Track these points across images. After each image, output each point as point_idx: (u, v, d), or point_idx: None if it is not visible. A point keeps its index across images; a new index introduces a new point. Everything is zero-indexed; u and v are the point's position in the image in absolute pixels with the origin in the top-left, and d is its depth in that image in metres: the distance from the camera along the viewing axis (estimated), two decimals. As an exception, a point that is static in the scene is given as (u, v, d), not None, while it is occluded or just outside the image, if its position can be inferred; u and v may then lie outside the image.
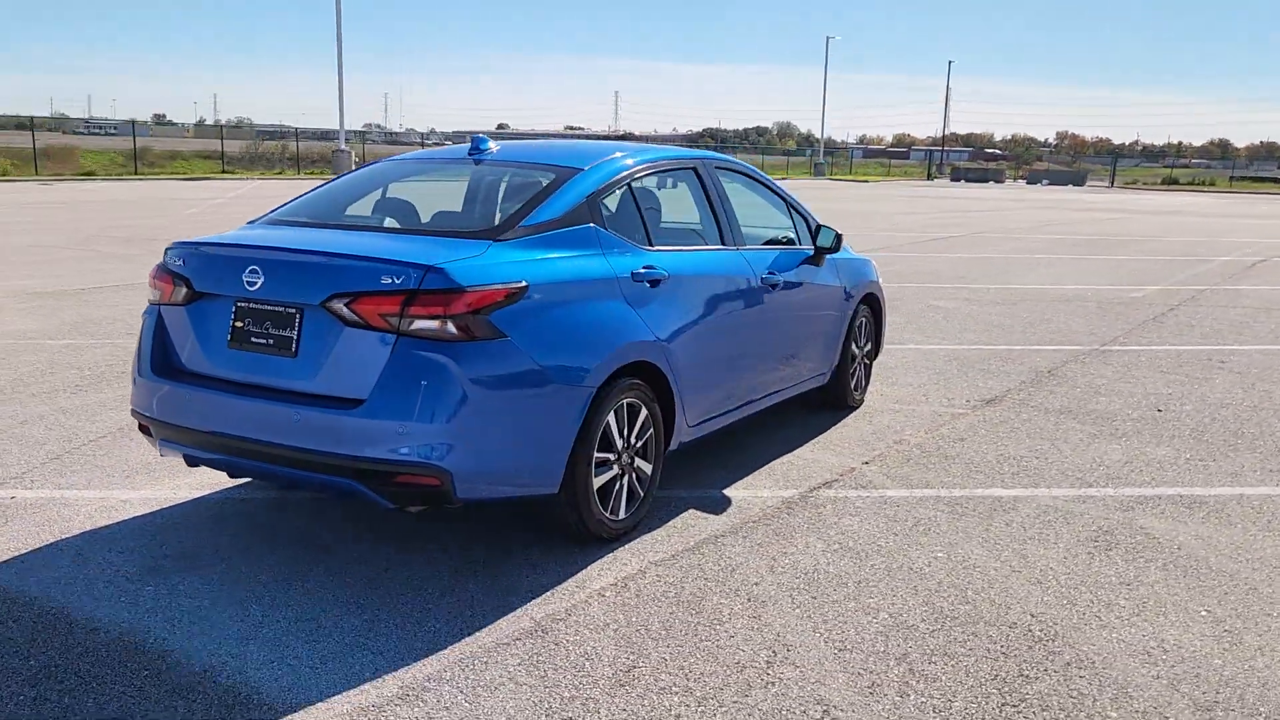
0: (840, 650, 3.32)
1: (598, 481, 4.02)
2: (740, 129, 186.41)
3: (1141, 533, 4.45)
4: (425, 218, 4.40)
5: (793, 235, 5.78)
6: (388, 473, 3.49)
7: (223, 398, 3.73)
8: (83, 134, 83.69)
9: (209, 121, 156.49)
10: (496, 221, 4.08)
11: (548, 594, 3.69)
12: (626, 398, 4.14)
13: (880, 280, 6.73)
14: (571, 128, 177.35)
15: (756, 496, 4.80)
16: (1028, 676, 3.18)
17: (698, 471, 5.12)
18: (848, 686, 3.09)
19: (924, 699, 3.03)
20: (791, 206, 5.85)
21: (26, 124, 42.85)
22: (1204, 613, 3.67)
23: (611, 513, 4.14)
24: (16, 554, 3.94)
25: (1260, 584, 3.94)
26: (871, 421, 6.19)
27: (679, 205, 5.25)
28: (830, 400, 6.35)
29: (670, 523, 4.42)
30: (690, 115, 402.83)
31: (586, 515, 4.00)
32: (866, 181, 59.46)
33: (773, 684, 3.09)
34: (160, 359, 3.98)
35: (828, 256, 5.93)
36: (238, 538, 4.15)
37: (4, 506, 4.43)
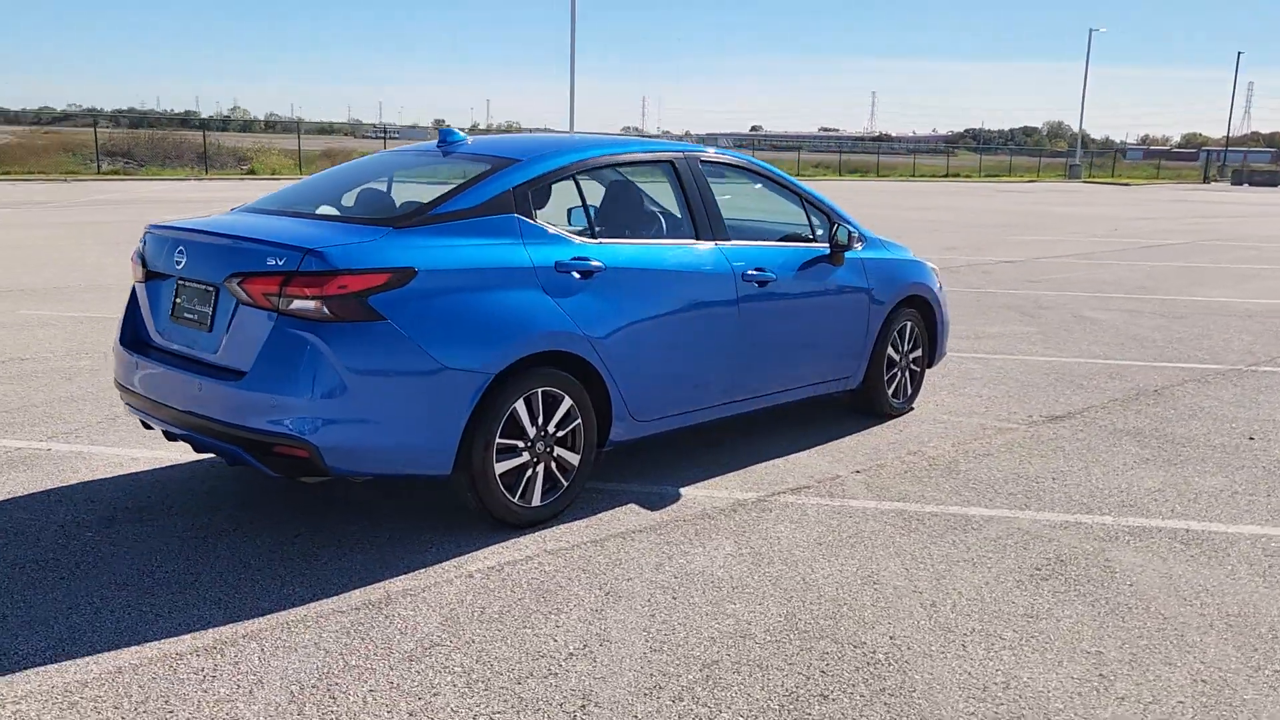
0: (651, 650, 3.25)
1: (502, 467, 4.09)
2: (1005, 129, 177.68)
3: (1101, 565, 4.03)
4: (390, 207, 4.60)
5: (808, 233, 5.60)
6: (266, 443, 3.72)
7: (163, 368, 4.10)
8: (370, 138, 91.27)
9: (480, 125, 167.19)
10: (405, 210, 4.22)
11: (420, 571, 3.81)
12: (542, 386, 4.18)
13: (936, 284, 6.37)
14: (826, 129, 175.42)
15: (710, 496, 4.71)
16: (826, 697, 3.00)
17: (668, 466, 5.08)
18: (627, 686, 3.03)
19: (694, 706, 2.93)
20: (812, 204, 5.66)
21: (328, 129, 47.80)
22: (1093, 654, 3.30)
23: (522, 499, 4.20)
24: (11, 495, 4.48)
25: (1191, 631, 3.49)
26: (901, 430, 5.89)
27: (661, 200, 5.21)
28: (864, 406, 6.10)
29: (599, 515, 4.43)
30: (949, 114, 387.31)
31: (489, 500, 4.09)
32: (1128, 185, 55.23)
33: (554, 675, 3.08)
34: (130, 332, 4.42)
35: (853, 257, 5.70)
36: (196, 497, 4.52)
37: (35, 455, 5.03)
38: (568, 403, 4.30)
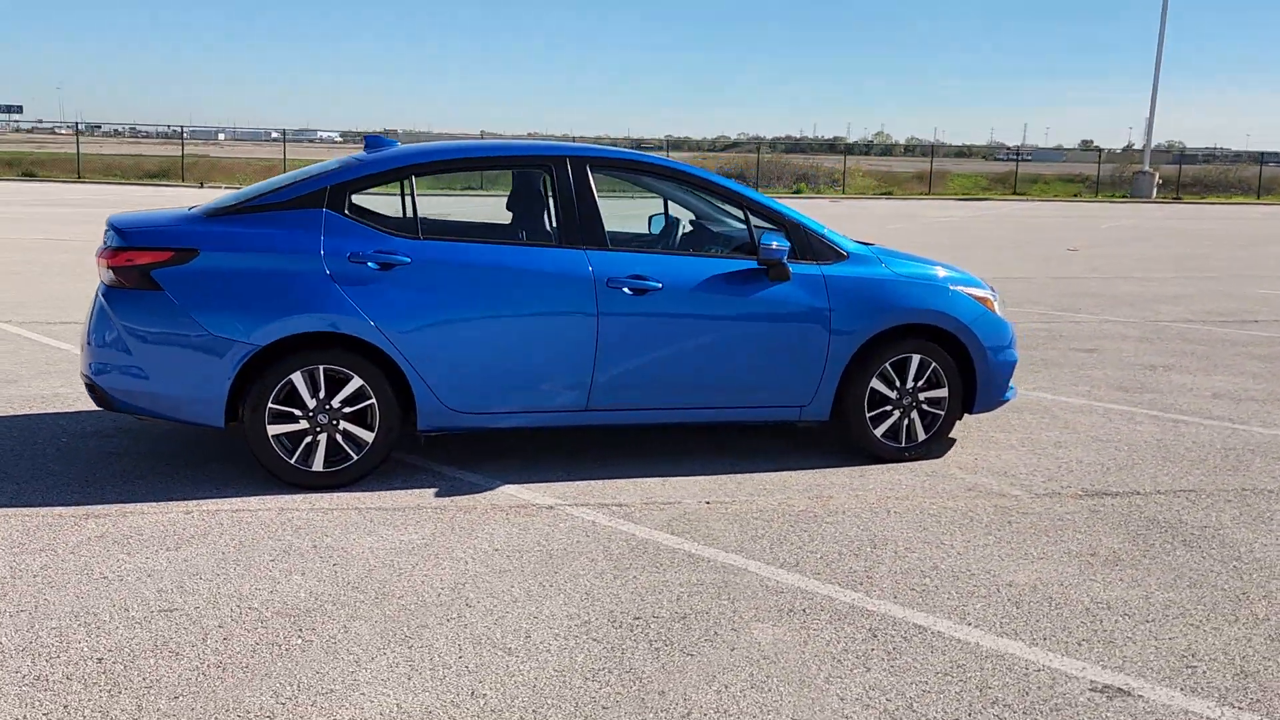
0: (220, 602, 3.63)
1: (276, 430, 4.64)
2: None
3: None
4: (233, 199, 5.16)
5: (747, 243, 5.20)
6: (89, 383, 4.73)
7: None
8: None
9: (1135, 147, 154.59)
10: (230, 201, 4.91)
11: (173, 502, 4.52)
12: (325, 364, 4.65)
13: (970, 313, 5.38)
14: None
15: (512, 496, 4.73)
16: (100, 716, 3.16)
17: (520, 464, 5.14)
18: (195, 640, 3.27)
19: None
20: (757, 211, 5.25)
21: (965, 152, 49.06)
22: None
23: (302, 463, 4.69)
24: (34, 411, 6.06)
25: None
26: (865, 477, 5.14)
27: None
28: (845, 440, 5.43)
29: (382, 490, 4.73)
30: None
31: (262, 456, 4.67)
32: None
33: (137, 622, 3.43)
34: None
35: (812, 273, 5.16)
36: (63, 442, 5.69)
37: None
38: (357, 382, 4.69)
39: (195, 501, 4.55)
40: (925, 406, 5.43)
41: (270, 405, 4.63)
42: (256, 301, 4.59)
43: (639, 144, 56.82)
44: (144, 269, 4.57)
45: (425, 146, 5.27)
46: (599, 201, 5.05)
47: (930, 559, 4.14)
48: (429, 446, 5.36)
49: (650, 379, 5.04)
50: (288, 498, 4.62)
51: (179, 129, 47.62)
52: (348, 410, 4.72)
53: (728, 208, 5.47)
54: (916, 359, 5.34)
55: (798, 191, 39.61)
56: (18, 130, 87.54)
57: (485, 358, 4.82)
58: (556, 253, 4.93)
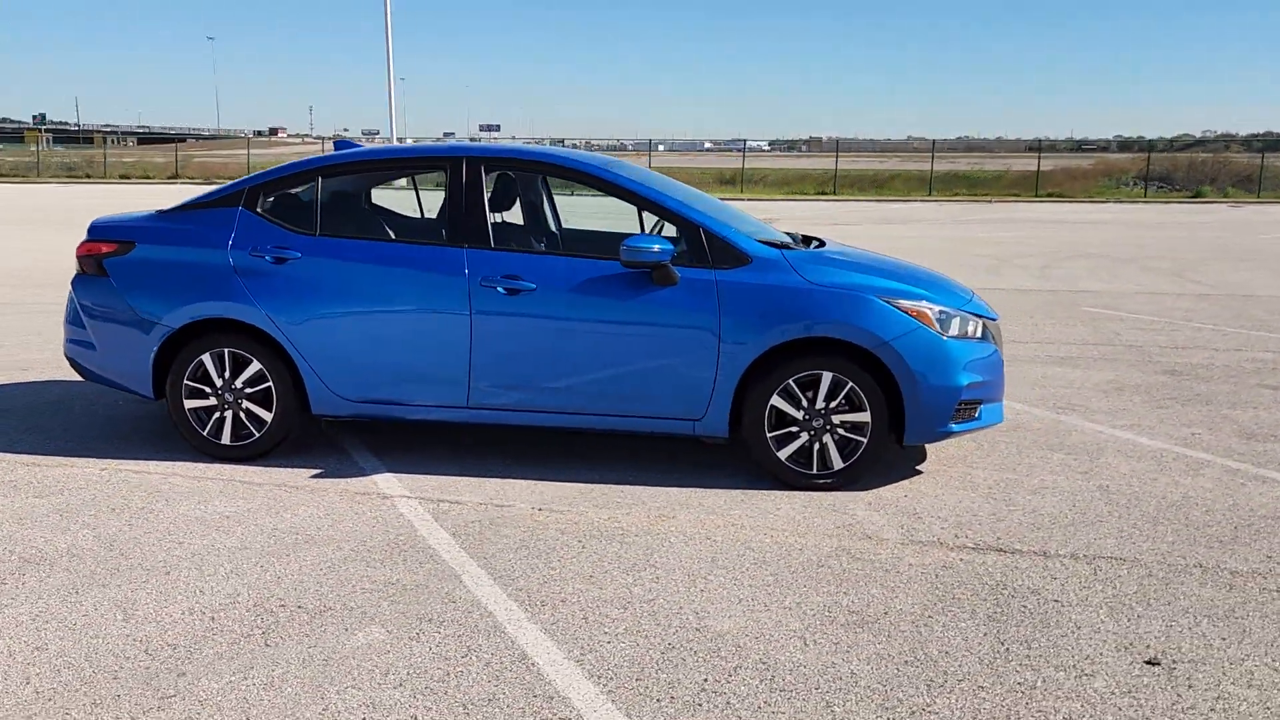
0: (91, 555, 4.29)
1: (190, 404, 5.21)
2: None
3: None
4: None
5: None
6: (66, 355, 5.59)
7: None
8: None
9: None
10: (183, 201, 5.48)
11: (94, 460, 5.23)
12: (230, 347, 5.14)
13: (889, 332, 4.69)
14: None
15: (367, 483, 4.91)
16: None
17: (430, 455, 5.27)
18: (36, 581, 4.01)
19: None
20: (655, 209, 4.99)
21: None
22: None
23: (213, 436, 5.22)
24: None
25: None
26: (746, 502, 4.70)
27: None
28: (751, 459, 4.98)
29: (275, 467, 5.12)
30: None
31: (181, 428, 5.26)
32: None
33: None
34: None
35: (703, 277, 4.82)
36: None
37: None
38: (256, 366, 5.13)
39: (111, 460, 5.22)
40: (842, 431, 4.82)
41: (186, 382, 5.19)
42: (174, 289, 5.18)
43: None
44: (98, 258, 5.33)
45: (339, 152, 5.60)
46: (486, 200, 5.08)
47: (647, 591, 3.74)
48: (364, 432, 5.67)
49: (528, 381, 4.97)
50: (187, 465, 5.15)
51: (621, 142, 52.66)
52: (249, 391, 5.16)
53: (640, 207, 5.21)
54: (829, 377, 4.76)
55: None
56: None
57: (368, 349, 5.03)
58: (436, 250, 5.03)
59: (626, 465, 5.20)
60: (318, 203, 5.28)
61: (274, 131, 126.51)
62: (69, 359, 5.54)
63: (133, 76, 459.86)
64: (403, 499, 4.70)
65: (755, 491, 4.84)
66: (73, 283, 5.47)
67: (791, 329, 4.75)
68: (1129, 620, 3.55)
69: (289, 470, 5.08)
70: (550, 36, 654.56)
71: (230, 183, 5.47)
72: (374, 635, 3.39)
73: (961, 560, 4.06)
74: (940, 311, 4.85)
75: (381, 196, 6.07)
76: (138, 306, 5.21)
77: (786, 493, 4.82)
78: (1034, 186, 41.02)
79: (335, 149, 5.89)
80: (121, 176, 48.33)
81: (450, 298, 4.95)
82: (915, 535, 4.32)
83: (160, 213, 5.46)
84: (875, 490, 4.86)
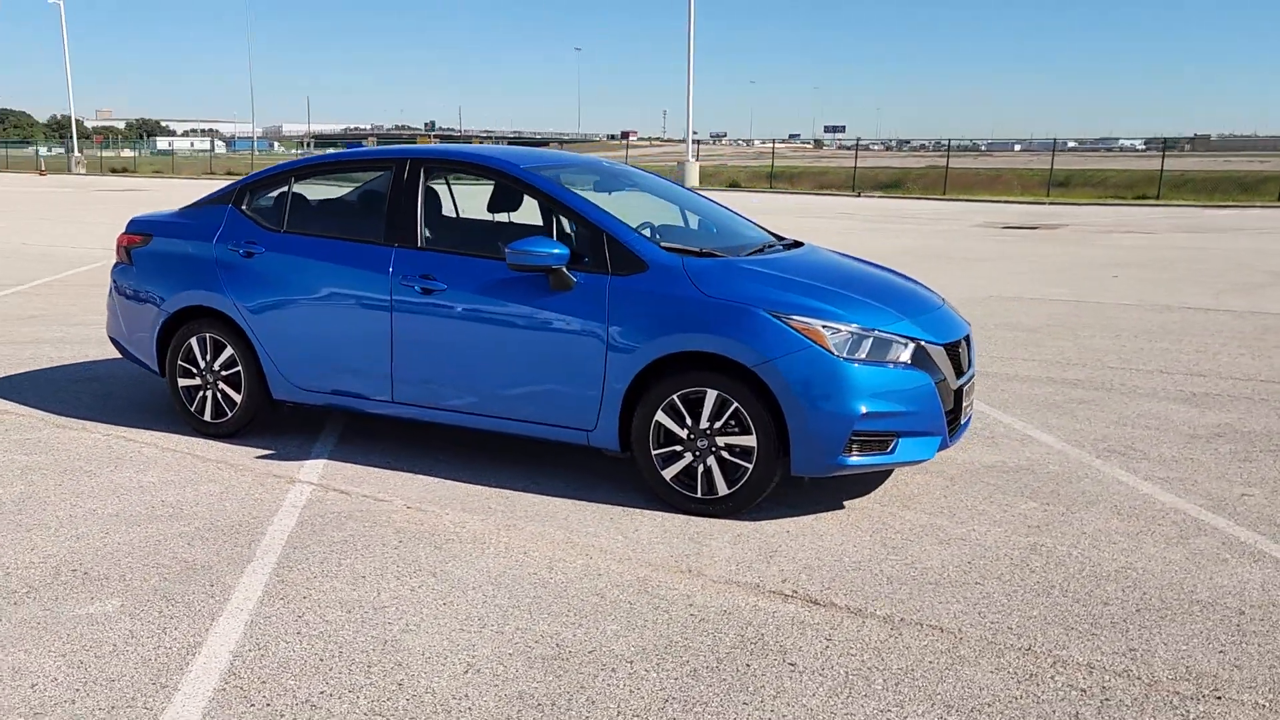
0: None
1: (182, 382, 5.74)
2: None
3: None
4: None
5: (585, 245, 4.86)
6: (109, 335, 6.31)
7: None
8: None
9: None
10: (200, 198, 5.98)
11: (80, 422, 5.88)
12: (209, 333, 5.62)
13: (772, 351, 4.27)
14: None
15: (291, 466, 5.17)
16: None
17: (375, 445, 5.45)
18: None
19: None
20: (565, 211, 4.86)
21: None
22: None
23: (199, 413, 5.73)
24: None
25: None
26: (614, 523, 4.47)
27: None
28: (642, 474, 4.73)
29: (244, 447, 5.52)
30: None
31: (176, 403, 5.81)
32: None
33: None
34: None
35: (595, 283, 4.66)
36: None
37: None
38: (229, 351, 5.57)
39: (114, 427, 5.85)
40: (727, 454, 4.44)
41: (179, 362, 5.73)
42: (172, 277, 5.73)
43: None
44: (129, 248, 6.00)
45: (308, 155, 5.89)
46: (420, 200, 5.17)
47: (390, 599, 3.67)
48: (356, 421, 5.95)
49: (441, 379, 5.02)
50: (174, 437, 5.67)
51: (945, 141, 51.09)
52: (225, 374, 5.61)
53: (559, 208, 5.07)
54: (713, 395, 4.41)
55: None
56: (840, 147, 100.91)
57: (313, 341, 5.30)
58: (369, 248, 5.19)
59: (542, 473, 5.09)
60: (287, 202, 5.62)
61: (625, 135, 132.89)
62: (109, 337, 6.28)
63: (509, 87, 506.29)
64: (306, 485, 4.91)
65: (636, 511, 4.58)
66: (112, 271, 6.20)
67: (674, 341, 4.46)
68: (848, 697, 3.02)
69: (246, 449, 5.46)
70: (898, 35, 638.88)
71: (230, 182, 5.96)
72: (107, 606, 3.60)
73: (751, 606, 3.62)
74: (848, 331, 4.34)
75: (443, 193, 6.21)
76: (149, 292, 5.82)
77: (667, 515, 4.53)
78: None
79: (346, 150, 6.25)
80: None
81: (379, 296, 5.10)
82: (739, 575, 3.90)
83: (180, 209, 6.05)
84: (761, 522, 4.43)
